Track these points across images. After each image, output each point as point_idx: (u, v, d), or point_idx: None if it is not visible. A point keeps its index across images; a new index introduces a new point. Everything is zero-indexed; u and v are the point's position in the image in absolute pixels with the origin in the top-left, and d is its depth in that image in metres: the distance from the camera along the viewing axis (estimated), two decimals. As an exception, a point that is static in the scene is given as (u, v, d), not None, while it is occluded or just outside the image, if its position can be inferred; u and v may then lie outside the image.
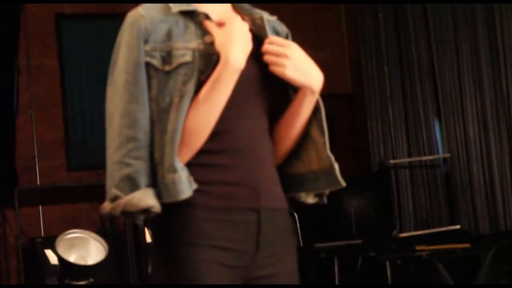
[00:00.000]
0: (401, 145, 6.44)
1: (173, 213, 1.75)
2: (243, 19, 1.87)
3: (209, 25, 1.81)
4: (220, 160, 1.78)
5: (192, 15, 1.81)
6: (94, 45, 6.18)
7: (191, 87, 1.75)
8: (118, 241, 5.66)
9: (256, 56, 1.83)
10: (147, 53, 1.77)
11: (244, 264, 1.77)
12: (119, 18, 1.89)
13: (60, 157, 6.17)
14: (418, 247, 4.96)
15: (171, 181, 1.71)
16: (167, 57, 1.77)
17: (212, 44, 1.78)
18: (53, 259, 5.25)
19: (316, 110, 1.89)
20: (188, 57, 1.77)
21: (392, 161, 6.25)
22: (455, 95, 6.04)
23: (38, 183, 6.02)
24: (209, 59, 1.77)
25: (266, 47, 1.84)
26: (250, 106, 1.83)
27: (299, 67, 1.83)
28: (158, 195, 1.73)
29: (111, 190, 1.74)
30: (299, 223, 5.43)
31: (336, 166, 1.89)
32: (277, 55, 1.82)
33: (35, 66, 6.12)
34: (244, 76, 1.78)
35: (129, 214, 1.74)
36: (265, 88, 1.85)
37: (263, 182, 1.81)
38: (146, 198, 1.71)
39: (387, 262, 4.87)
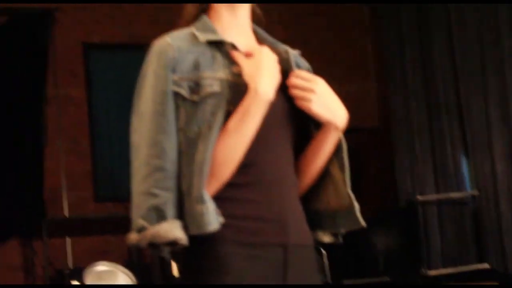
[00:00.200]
0: (428, 181, 6.39)
1: (200, 247, 1.73)
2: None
3: (236, 55, 1.80)
4: (247, 195, 1.76)
5: (219, 45, 1.81)
6: (122, 75, 6.03)
7: (220, 117, 1.73)
8: (146, 274, 5.63)
9: (282, 89, 1.82)
10: (175, 83, 1.75)
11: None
12: (147, 49, 1.86)
13: (88, 189, 6.15)
14: (446, 284, 4.90)
15: (199, 212, 1.69)
16: (195, 87, 1.75)
17: (240, 75, 1.77)
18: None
19: (338, 148, 1.87)
20: (216, 88, 1.75)
21: (419, 197, 6.20)
22: (483, 131, 6.00)
23: (66, 214, 5.99)
24: (237, 90, 1.76)
25: (293, 80, 1.83)
26: (276, 139, 1.81)
27: (325, 102, 1.82)
28: (185, 228, 1.71)
29: (138, 221, 1.72)
30: (328, 260, 5.39)
31: (356, 205, 1.86)
32: (304, 89, 1.81)
33: (63, 96, 6.06)
34: (270, 109, 1.77)
35: (155, 246, 1.71)
36: (290, 121, 1.84)
37: (290, 217, 1.79)
38: (173, 230, 1.69)
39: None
